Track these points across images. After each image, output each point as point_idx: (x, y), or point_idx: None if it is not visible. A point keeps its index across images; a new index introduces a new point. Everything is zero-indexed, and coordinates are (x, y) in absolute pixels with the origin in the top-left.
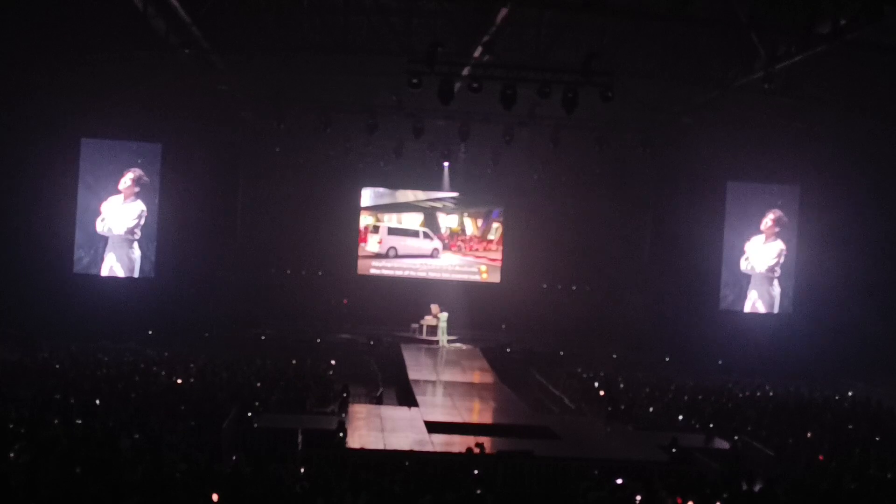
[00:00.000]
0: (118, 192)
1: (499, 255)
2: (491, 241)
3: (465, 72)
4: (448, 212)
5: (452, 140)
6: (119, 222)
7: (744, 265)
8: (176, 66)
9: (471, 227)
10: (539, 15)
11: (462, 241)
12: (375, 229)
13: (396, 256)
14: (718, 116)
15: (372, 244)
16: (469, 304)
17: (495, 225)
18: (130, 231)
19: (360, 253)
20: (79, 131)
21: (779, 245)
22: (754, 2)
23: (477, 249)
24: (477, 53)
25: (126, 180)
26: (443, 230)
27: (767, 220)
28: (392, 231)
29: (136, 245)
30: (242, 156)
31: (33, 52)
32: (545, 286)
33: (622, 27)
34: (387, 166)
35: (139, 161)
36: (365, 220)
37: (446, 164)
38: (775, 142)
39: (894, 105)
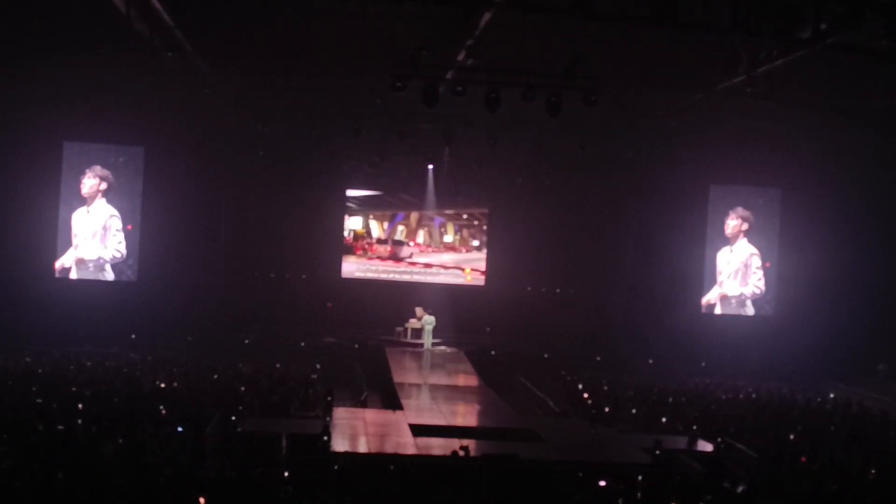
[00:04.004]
0: (83, 200)
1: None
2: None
3: (450, 75)
4: (351, 213)
5: (437, 143)
6: (91, 245)
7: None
8: (159, 69)
9: (377, 229)
10: (523, 19)
11: (367, 244)
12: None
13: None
14: (701, 120)
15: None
16: (453, 306)
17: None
18: (112, 257)
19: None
20: (61, 134)
21: (747, 249)
22: (736, 6)
23: (382, 255)
24: (461, 57)
25: (88, 182)
26: (346, 233)
27: (731, 223)
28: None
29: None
30: (226, 159)
31: (14, 54)
32: (529, 289)
33: (606, 31)
34: (371, 169)
35: (114, 161)
36: (351, 223)
37: (430, 167)
38: (758, 145)
39: (875, 108)
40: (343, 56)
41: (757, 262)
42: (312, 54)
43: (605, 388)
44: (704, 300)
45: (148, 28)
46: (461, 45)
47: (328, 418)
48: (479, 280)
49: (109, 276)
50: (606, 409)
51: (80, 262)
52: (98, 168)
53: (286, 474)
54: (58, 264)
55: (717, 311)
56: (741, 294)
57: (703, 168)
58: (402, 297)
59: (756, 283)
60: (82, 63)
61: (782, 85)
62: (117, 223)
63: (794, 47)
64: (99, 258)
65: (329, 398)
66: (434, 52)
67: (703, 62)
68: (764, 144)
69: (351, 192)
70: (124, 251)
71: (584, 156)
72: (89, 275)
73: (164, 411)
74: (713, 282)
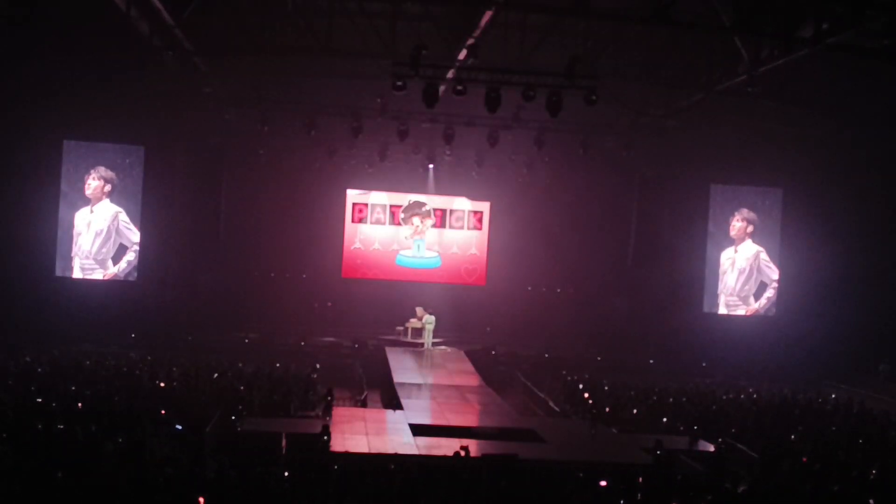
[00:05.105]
0: (86, 200)
1: None
2: None
3: (450, 75)
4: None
5: (437, 143)
6: (95, 246)
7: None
8: (159, 68)
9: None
10: (523, 18)
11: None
12: None
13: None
14: (702, 119)
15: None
16: (454, 306)
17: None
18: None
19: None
20: (61, 133)
21: (751, 248)
22: (737, 5)
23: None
24: (461, 56)
25: (92, 183)
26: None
27: (737, 224)
28: None
29: (109, 262)
30: (226, 158)
31: (14, 53)
32: (530, 289)
33: (606, 31)
34: (371, 169)
35: (115, 161)
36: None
37: (431, 166)
38: (758, 145)
39: (876, 108)
40: (343, 55)
41: (765, 257)
42: (313, 54)
43: (606, 388)
44: (722, 312)
45: (148, 27)
46: (462, 45)
47: (328, 418)
48: (480, 279)
49: (118, 268)
50: (607, 409)
51: (87, 268)
52: (102, 169)
53: (286, 474)
54: (75, 275)
55: (721, 311)
56: (749, 299)
57: (704, 168)
58: (402, 297)
59: (767, 296)
60: (82, 62)
61: (783, 85)
62: (124, 217)
63: (795, 47)
64: (103, 257)
65: (329, 398)
66: (434, 51)
67: (703, 62)
68: (764, 144)
69: (351, 192)
70: (137, 238)
71: (584, 155)
72: (95, 274)
73: (163, 411)
74: (715, 281)
